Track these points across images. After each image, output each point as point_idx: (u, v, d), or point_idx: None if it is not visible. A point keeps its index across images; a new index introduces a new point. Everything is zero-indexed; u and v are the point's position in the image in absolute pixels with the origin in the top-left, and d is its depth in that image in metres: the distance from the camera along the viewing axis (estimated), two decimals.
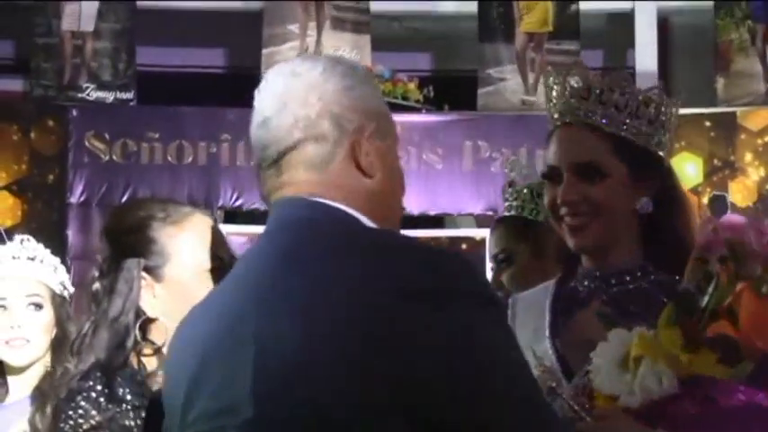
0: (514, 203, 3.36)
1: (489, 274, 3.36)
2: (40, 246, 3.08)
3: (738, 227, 1.82)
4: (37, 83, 6.84)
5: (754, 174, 6.85)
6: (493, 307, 1.63)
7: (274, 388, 1.58)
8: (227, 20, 7.28)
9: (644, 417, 1.77)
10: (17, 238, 3.10)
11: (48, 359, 3.02)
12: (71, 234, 6.50)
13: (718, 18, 7.08)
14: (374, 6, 7.12)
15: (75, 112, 6.69)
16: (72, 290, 3.09)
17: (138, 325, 2.27)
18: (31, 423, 2.87)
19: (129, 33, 6.94)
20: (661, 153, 2.20)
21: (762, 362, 1.73)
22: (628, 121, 2.16)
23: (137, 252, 2.29)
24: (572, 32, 7.13)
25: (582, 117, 2.17)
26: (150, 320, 2.29)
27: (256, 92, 1.80)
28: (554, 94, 2.22)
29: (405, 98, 6.79)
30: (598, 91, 2.17)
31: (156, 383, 2.24)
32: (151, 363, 2.27)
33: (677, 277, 1.99)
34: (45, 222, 6.55)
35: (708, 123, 6.83)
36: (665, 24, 7.48)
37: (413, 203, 6.27)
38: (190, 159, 6.72)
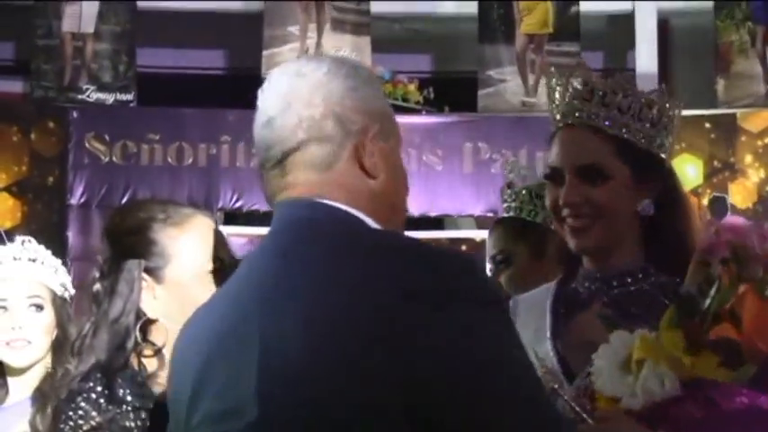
0: (513, 205, 3.35)
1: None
2: (41, 247, 3.08)
3: (741, 229, 1.82)
4: (37, 84, 6.83)
5: (755, 175, 6.84)
6: (495, 306, 1.63)
7: (278, 388, 1.59)
8: (227, 21, 7.28)
9: (645, 419, 1.77)
10: (18, 239, 3.10)
11: (48, 360, 3.01)
12: (71, 235, 6.50)
13: (719, 19, 7.07)
14: (374, 8, 7.12)
15: (75, 114, 6.69)
16: (73, 291, 3.09)
17: (138, 326, 2.27)
18: (32, 424, 2.87)
19: (130, 35, 6.93)
20: (663, 155, 2.21)
21: (765, 365, 1.73)
22: (630, 123, 2.16)
23: (137, 253, 2.29)
24: (572, 34, 7.12)
25: (585, 119, 2.17)
26: (151, 322, 2.29)
27: (260, 91, 1.79)
28: (557, 95, 2.22)
29: (405, 99, 6.79)
30: (601, 93, 2.17)
31: (157, 384, 2.24)
32: (151, 364, 2.27)
33: (678, 279, 2.00)
34: (45, 224, 6.54)
35: (708, 125, 6.82)
36: (665, 26, 7.48)
37: (413, 205, 6.23)
38: (190, 161, 6.72)
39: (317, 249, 1.67)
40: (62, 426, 2.24)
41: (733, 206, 6.75)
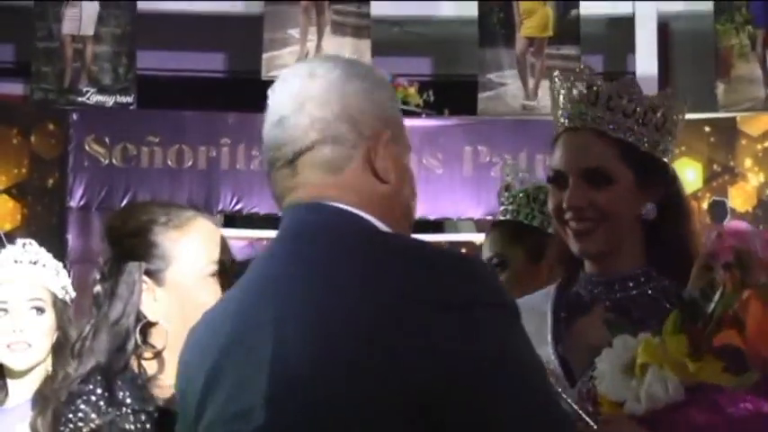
0: (510, 207, 3.34)
1: None
2: (42, 250, 3.08)
3: (745, 235, 1.82)
4: (37, 86, 6.84)
5: (754, 179, 6.84)
6: (505, 309, 1.63)
7: (287, 392, 1.58)
8: (227, 24, 7.28)
9: (649, 423, 1.76)
10: (19, 241, 3.09)
11: (49, 363, 3.01)
12: (71, 238, 6.50)
13: (719, 23, 7.07)
14: (374, 11, 7.12)
15: (75, 116, 6.69)
16: (73, 294, 3.08)
17: (138, 328, 2.27)
18: (32, 427, 2.87)
19: (130, 37, 6.94)
20: (665, 159, 2.21)
21: None
22: (635, 127, 2.16)
23: (138, 256, 2.29)
24: (572, 37, 7.13)
25: (589, 122, 2.17)
26: (151, 324, 2.28)
27: (270, 91, 1.79)
28: (561, 98, 2.22)
29: (405, 103, 6.78)
30: (606, 96, 2.16)
31: (157, 387, 2.24)
32: (151, 366, 2.27)
33: (680, 283, 1.99)
34: (45, 226, 6.54)
35: (707, 129, 6.82)
36: (665, 29, 7.48)
37: None
38: (190, 163, 6.72)
39: (327, 253, 1.66)
40: (62, 428, 2.24)
41: (732, 210, 6.75)
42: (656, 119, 2.18)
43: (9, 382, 3.02)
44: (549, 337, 2.20)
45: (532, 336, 2.16)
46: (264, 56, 6.96)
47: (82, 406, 2.22)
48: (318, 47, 7.00)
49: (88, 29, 6.89)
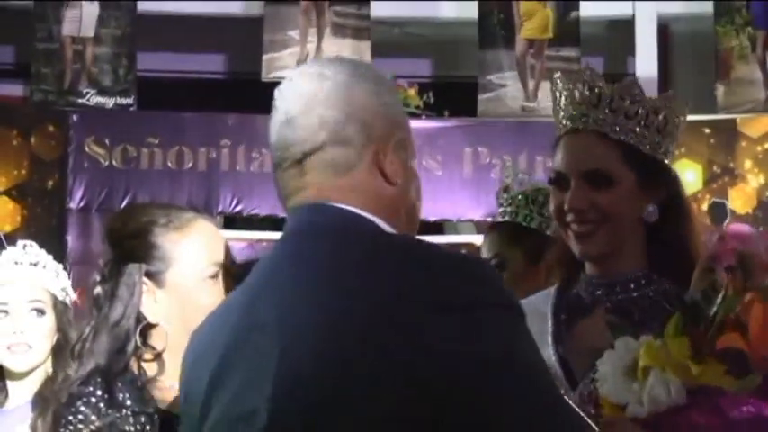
0: (508, 209, 3.34)
1: None
2: (43, 251, 3.08)
3: (747, 237, 1.81)
4: (37, 88, 6.84)
5: (754, 181, 6.84)
6: (510, 310, 1.62)
7: (292, 393, 1.59)
8: (227, 25, 7.28)
9: (651, 426, 1.76)
10: (20, 243, 3.10)
11: (49, 364, 3.01)
12: (71, 239, 6.50)
13: (719, 25, 7.07)
14: (374, 12, 7.12)
15: (75, 118, 6.69)
16: (74, 295, 3.09)
17: (138, 330, 2.26)
18: (32, 428, 2.87)
19: (130, 38, 6.94)
20: (667, 161, 2.20)
21: None
22: (637, 129, 2.16)
23: (139, 257, 2.29)
24: (572, 39, 7.13)
25: (591, 124, 2.17)
26: (151, 326, 2.28)
27: (277, 91, 1.78)
28: (562, 100, 2.21)
29: (405, 104, 6.75)
30: (608, 99, 2.16)
31: (157, 389, 2.24)
32: (151, 368, 2.27)
33: (682, 286, 1.99)
34: (44, 227, 6.54)
35: (707, 130, 6.82)
36: (665, 31, 7.48)
37: None
38: (190, 165, 6.72)
39: (331, 255, 1.67)
40: (62, 430, 2.24)
41: (732, 212, 6.75)
42: (657, 121, 2.17)
43: (9, 383, 3.03)
44: (550, 339, 2.20)
45: (534, 337, 2.17)
46: (264, 57, 6.95)
47: (82, 407, 2.22)
48: (318, 48, 7.00)
49: (88, 30, 6.89)
